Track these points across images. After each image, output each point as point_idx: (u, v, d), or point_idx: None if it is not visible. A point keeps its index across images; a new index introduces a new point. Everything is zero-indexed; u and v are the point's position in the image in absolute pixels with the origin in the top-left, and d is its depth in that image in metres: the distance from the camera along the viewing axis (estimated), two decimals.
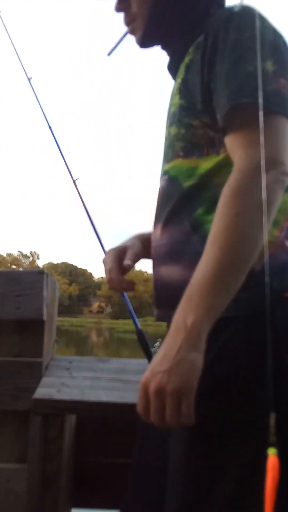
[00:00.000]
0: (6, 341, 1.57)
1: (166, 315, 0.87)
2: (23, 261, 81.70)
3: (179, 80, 0.91)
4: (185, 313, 0.71)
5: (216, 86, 0.80)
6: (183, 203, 0.86)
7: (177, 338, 0.70)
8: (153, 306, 0.94)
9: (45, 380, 1.54)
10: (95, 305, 79.32)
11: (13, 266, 74.89)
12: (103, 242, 1.15)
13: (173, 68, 0.97)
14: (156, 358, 0.72)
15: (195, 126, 0.85)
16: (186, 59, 0.90)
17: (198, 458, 0.77)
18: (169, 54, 0.99)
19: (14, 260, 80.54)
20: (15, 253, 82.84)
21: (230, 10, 0.84)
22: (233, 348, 0.76)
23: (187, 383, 0.68)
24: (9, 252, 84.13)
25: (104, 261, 1.02)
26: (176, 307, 0.77)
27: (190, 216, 0.84)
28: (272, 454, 0.54)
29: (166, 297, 0.88)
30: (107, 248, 1.07)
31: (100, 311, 76.81)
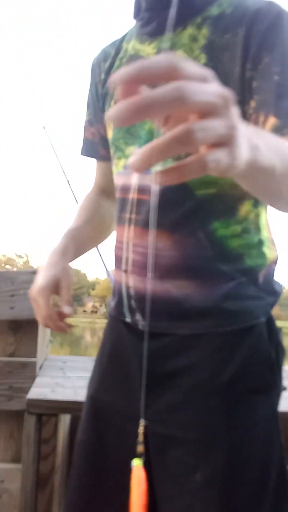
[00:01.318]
0: (0, 341, 1.57)
1: (163, 326, 0.81)
2: (17, 261, 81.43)
3: (181, 53, 0.79)
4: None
5: (267, 87, 0.72)
6: (195, 212, 0.78)
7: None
8: (134, 313, 0.84)
9: (39, 380, 1.54)
10: (89, 305, 79.10)
11: (7, 266, 74.61)
12: None
13: (156, 22, 0.83)
14: None
15: None
16: (193, 31, 0.79)
17: (246, 466, 0.74)
18: (157, 5, 0.83)
19: (8, 260, 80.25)
20: (11, 255, 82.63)
21: (269, 4, 0.75)
22: (262, 351, 0.78)
23: None
24: (4, 253, 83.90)
25: (34, 300, 0.88)
26: (182, 320, 0.78)
27: (205, 229, 0.78)
28: (138, 465, 0.53)
29: (169, 310, 0.80)
30: (101, 249, 1.05)
31: (94, 311, 76.60)
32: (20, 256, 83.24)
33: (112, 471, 0.83)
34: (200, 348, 0.78)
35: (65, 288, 0.87)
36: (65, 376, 1.62)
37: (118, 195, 0.88)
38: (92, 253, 1.13)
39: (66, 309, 0.86)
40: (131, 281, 0.83)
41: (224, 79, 0.74)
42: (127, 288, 0.84)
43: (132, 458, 0.79)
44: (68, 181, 2.22)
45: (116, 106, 0.36)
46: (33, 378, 1.53)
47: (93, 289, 77.91)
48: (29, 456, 1.41)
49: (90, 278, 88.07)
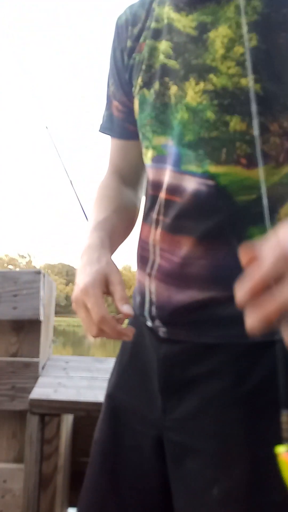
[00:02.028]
0: (3, 341, 1.57)
1: (184, 334, 0.75)
2: (20, 261, 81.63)
3: (225, 30, 0.66)
4: None
5: None
6: (231, 220, 0.70)
7: None
8: (154, 320, 0.77)
9: (41, 380, 1.54)
10: None
11: (10, 266, 74.80)
12: None
13: None
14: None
15: (272, 131, 0.66)
16: (241, 0, 0.65)
17: (269, 483, 0.66)
18: None
19: (11, 260, 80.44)
20: (14, 255, 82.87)
21: None
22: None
23: None
24: (7, 253, 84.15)
25: (81, 305, 0.69)
26: (205, 329, 0.72)
27: (240, 236, 0.69)
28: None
29: (191, 319, 0.73)
30: None
31: None
32: (22, 256, 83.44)
33: (126, 472, 0.80)
34: (222, 356, 0.72)
35: (117, 283, 0.69)
36: (67, 376, 1.62)
37: (148, 190, 0.79)
38: None
39: (125, 308, 0.68)
40: (154, 287, 0.76)
41: (280, 70, 0.61)
42: (150, 293, 0.77)
43: (146, 461, 0.76)
44: (71, 181, 2.23)
45: (250, 317, 0.42)
46: (35, 378, 1.53)
47: None
48: (31, 456, 1.41)
49: None
